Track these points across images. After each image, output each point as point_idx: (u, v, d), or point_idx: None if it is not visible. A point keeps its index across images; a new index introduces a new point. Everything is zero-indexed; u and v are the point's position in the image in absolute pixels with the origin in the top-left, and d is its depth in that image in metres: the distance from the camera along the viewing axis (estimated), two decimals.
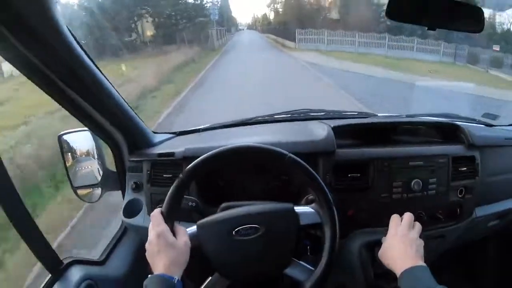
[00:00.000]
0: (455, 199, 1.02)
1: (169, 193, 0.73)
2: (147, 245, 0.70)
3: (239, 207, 0.79)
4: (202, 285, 0.75)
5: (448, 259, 1.15)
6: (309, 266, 0.76)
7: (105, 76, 0.83)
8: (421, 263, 0.68)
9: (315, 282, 0.73)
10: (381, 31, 14.30)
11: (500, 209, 1.13)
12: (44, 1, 0.58)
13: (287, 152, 0.76)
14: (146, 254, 0.70)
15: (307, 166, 0.76)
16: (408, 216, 0.79)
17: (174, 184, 0.73)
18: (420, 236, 0.76)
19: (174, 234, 0.70)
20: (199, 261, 0.71)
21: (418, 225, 0.78)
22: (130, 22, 14.77)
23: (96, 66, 0.78)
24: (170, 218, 0.71)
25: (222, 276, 0.75)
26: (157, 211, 0.72)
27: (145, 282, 0.64)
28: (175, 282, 0.64)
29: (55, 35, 0.63)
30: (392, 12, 0.79)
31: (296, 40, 16.37)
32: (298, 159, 0.75)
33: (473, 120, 1.28)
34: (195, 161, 0.75)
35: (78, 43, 0.70)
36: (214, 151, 0.75)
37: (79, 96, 0.79)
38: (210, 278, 0.75)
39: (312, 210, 0.78)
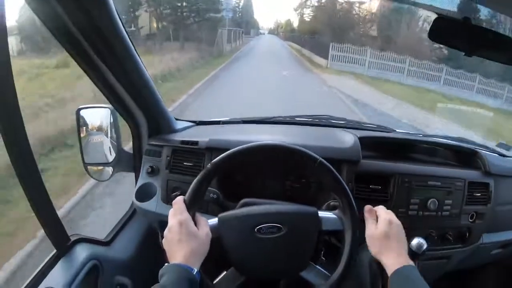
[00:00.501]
0: (466, 222, 1.27)
1: (194, 182, 0.87)
2: (166, 232, 0.81)
3: (261, 205, 0.94)
4: (216, 278, 0.90)
5: (448, 282, 1.38)
6: (325, 271, 0.92)
7: (140, 57, 1.06)
8: (410, 262, 0.82)
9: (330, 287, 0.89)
10: (436, 61, 13.93)
11: (505, 238, 1.40)
12: None
13: (318, 157, 0.92)
14: (164, 241, 0.81)
15: (335, 172, 0.92)
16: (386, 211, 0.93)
17: (201, 173, 0.88)
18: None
19: (195, 223, 0.83)
20: (215, 254, 0.84)
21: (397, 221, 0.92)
22: (129, 10, 14.64)
23: (134, 46, 1.01)
24: (193, 208, 0.85)
25: (238, 272, 0.90)
26: (180, 199, 0.85)
27: (161, 271, 0.75)
28: (195, 273, 0.75)
29: (103, 12, 0.82)
30: (433, 33, 1.02)
31: (329, 57, 15.37)
32: (328, 164, 0.92)
33: (487, 148, 1.55)
34: (226, 153, 0.90)
35: (121, 22, 0.92)
36: (246, 145, 0.91)
37: (112, 73, 1.01)
38: (226, 272, 0.91)
39: (335, 216, 0.93)
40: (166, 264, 0.77)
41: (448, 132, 7.06)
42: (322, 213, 0.93)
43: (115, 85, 1.07)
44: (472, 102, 11.85)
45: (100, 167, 1.30)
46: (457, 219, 1.25)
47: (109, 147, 1.29)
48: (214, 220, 0.89)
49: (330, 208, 1.04)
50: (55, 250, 1.04)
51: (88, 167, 1.27)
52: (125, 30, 0.95)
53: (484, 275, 1.66)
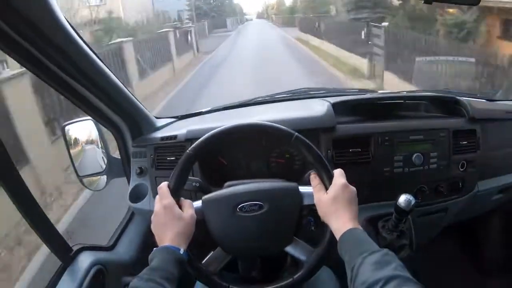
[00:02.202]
0: (457, 172, 1.23)
1: (176, 167, 0.88)
2: (153, 217, 0.84)
3: (242, 184, 0.94)
4: (204, 259, 0.91)
5: (452, 233, 1.33)
6: (309, 246, 0.91)
7: (105, 64, 1.04)
8: (359, 226, 0.79)
9: (315, 262, 0.88)
10: None
11: (503, 183, 1.35)
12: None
13: (294, 132, 0.89)
14: (152, 225, 0.84)
15: (313, 146, 0.89)
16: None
17: (182, 158, 0.88)
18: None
19: (180, 207, 0.84)
20: (202, 235, 0.86)
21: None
22: None
23: (95, 54, 0.98)
24: (177, 192, 0.86)
25: (224, 251, 0.91)
26: (164, 184, 0.86)
27: (150, 256, 0.77)
28: (181, 253, 0.78)
29: (53, 26, 0.78)
30: None
31: None
32: (305, 139, 0.89)
33: (474, 95, 1.50)
34: (203, 136, 0.90)
35: (76, 32, 0.89)
36: (222, 127, 0.91)
37: (80, 85, 0.98)
38: (212, 252, 0.92)
39: None
40: (154, 248, 0.79)
41: None
42: (302, 188, 0.92)
43: (87, 96, 1.05)
44: None
45: (95, 178, 1.30)
46: (447, 170, 1.21)
47: (102, 157, 1.30)
48: (198, 203, 0.90)
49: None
50: (60, 263, 1.05)
51: (83, 179, 1.28)
52: (83, 40, 0.92)
53: (490, 222, 1.63)
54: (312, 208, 0.93)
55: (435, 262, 1.70)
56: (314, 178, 0.89)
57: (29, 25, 0.74)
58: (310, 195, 0.90)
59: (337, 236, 0.79)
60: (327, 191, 0.85)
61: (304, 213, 0.93)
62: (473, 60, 5.24)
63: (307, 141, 0.89)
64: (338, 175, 0.87)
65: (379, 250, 0.71)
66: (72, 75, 0.93)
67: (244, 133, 0.95)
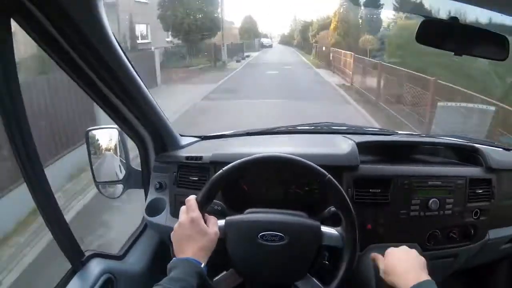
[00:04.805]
0: (470, 220, 1.23)
1: (207, 183, 0.91)
2: (176, 227, 0.85)
3: (267, 213, 0.98)
4: (216, 277, 0.93)
5: (459, 280, 1.33)
6: (320, 285, 0.93)
7: (141, 78, 1.07)
8: (427, 277, 0.81)
9: None
10: None
11: None
12: (91, 3, 0.77)
13: (326, 173, 0.93)
14: (172, 235, 0.85)
15: (343, 191, 0.93)
16: None
17: (214, 176, 0.92)
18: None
19: (205, 222, 0.86)
20: (217, 254, 0.87)
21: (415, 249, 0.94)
22: None
23: (133, 68, 1.02)
24: (204, 208, 0.88)
25: (237, 273, 0.93)
26: (192, 198, 0.89)
27: (169, 265, 0.79)
28: (203, 267, 0.80)
29: (99, 35, 0.83)
30: (421, 37, 1.00)
31: None
32: (336, 182, 0.93)
33: (491, 143, 1.52)
34: (240, 160, 0.93)
35: (119, 45, 0.93)
36: (259, 155, 0.94)
37: (115, 96, 1.02)
38: (225, 272, 0.94)
39: (337, 233, 0.95)
40: (174, 258, 0.81)
41: None
42: (324, 228, 0.95)
43: (120, 107, 1.08)
44: None
45: (111, 185, 1.32)
46: (461, 216, 1.21)
47: (119, 165, 1.31)
48: (221, 222, 0.93)
49: (331, 214, 1.03)
50: (70, 266, 1.05)
51: (100, 185, 1.30)
52: (123, 51, 0.95)
53: (498, 271, 1.61)
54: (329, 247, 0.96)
55: None
56: (372, 258, 0.95)
57: (80, 35, 0.79)
58: (330, 236, 0.93)
59: None
60: (381, 269, 0.90)
61: (322, 252, 0.96)
62: (493, 108, 5.28)
63: (339, 185, 0.93)
64: (387, 254, 0.92)
65: None
66: (108, 84, 0.96)
67: (280, 164, 0.99)
